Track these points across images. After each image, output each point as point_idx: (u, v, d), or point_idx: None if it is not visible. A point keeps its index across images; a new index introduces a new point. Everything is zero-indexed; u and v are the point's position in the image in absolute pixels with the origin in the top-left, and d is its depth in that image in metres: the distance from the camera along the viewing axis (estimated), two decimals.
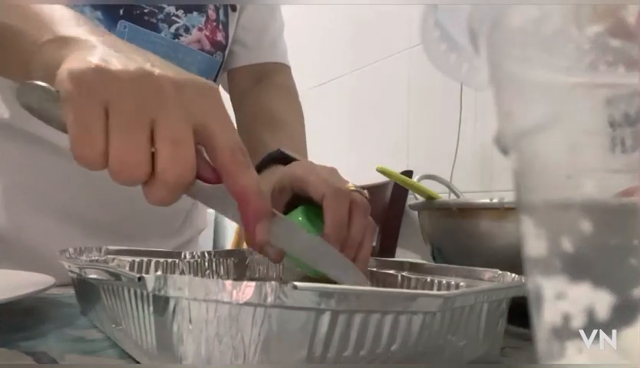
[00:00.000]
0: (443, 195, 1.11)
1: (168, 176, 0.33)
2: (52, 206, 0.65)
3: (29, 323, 0.41)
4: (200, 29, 0.69)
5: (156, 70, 0.34)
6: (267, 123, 0.71)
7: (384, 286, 0.48)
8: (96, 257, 0.48)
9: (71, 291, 0.46)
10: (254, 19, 0.77)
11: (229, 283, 0.25)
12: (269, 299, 0.25)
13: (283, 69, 0.78)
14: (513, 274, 0.38)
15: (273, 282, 0.25)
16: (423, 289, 0.45)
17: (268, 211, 0.38)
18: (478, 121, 1.09)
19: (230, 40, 0.74)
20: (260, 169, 0.56)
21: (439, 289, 0.44)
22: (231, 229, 2.07)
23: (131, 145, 0.32)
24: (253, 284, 0.25)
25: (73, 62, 0.33)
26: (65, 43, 0.36)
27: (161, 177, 0.33)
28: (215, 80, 0.73)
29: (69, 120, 0.32)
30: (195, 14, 0.68)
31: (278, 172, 0.52)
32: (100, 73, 0.32)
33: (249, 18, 0.77)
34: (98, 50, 0.35)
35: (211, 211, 0.81)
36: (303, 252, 0.41)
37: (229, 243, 2.14)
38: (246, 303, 0.25)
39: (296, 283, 0.25)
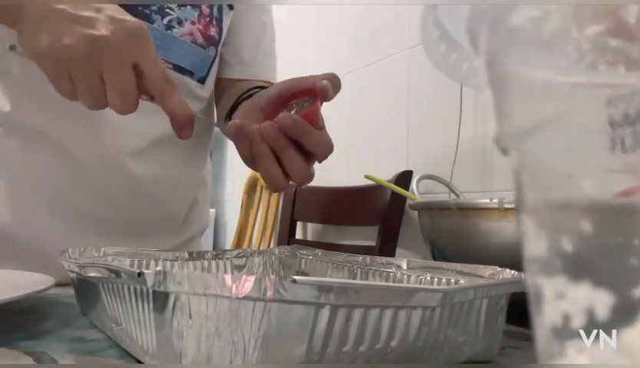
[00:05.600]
0: (443, 195, 1.11)
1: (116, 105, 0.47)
2: (53, 204, 0.65)
3: (29, 323, 0.41)
4: (193, 22, 0.70)
5: (99, 32, 0.45)
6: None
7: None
8: (95, 258, 0.48)
9: (71, 291, 0.46)
10: (249, 32, 0.80)
11: (228, 277, 0.25)
12: (269, 293, 0.25)
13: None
14: (513, 271, 0.38)
15: (272, 276, 0.25)
16: (423, 285, 0.45)
17: (191, 117, 0.49)
18: (478, 121, 1.09)
19: (224, 36, 0.74)
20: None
21: (439, 285, 0.44)
22: (231, 229, 2.07)
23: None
24: (252, 278, 0.25)
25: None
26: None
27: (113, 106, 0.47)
28: (207, 74, 0.74)
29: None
30: (188, 7, 0.69)
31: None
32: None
33: (244, 31, 0.79)
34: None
35: (212, 211, 0.82)
36: None
37: (229, 243, 2.14)
38: (246, 298, 0.25)
39: (295, 277, 0.25)
